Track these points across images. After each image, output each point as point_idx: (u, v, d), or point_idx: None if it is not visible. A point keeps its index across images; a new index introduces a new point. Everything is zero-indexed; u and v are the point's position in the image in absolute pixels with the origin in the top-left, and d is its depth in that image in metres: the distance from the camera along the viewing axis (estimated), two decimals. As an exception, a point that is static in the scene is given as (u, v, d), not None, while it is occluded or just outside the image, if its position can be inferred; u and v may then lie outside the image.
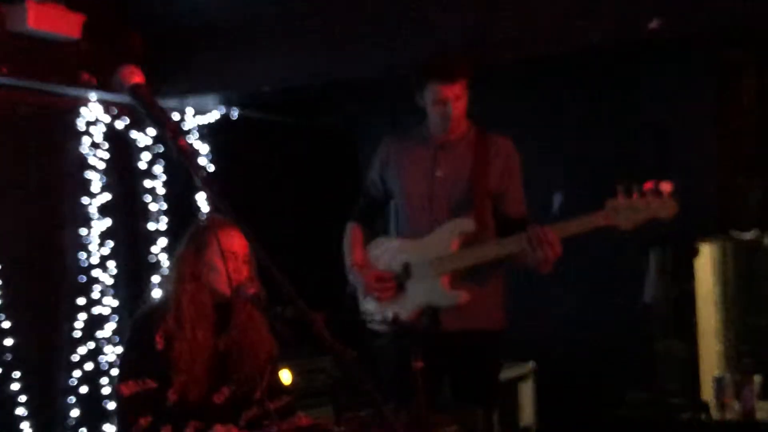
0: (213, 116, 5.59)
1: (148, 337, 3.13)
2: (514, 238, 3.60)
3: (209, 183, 2.03)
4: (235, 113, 5.67)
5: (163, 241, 5.19)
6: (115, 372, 4.78)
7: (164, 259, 5.15)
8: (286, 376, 3.44)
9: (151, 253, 5.17)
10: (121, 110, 5.03)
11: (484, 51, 4.31)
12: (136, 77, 2.17)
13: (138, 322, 3.23)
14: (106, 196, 4.97)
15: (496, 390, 3.93)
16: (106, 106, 4.98)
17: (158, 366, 3.09)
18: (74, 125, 4.88)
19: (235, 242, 3.18)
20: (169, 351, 3.11)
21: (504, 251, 3.63)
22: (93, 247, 4.89)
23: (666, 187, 3.33)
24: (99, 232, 4.92)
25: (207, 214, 3.56)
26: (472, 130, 3.82)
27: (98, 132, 4.96)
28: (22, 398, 4.46)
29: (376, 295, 3.82)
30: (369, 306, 3.88)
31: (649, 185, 3.36)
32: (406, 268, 3.78)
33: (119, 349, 4.83)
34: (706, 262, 5.16)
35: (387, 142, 3.97)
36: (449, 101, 3.66)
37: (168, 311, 3.16)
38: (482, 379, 3.78)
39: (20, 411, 4.45)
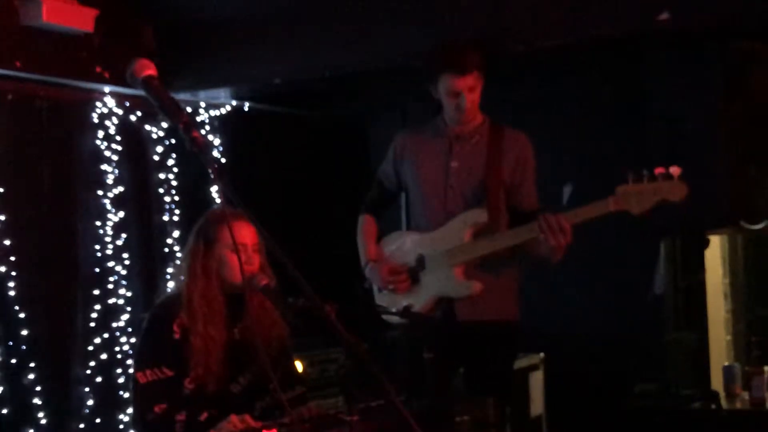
0: (225, 109, 5.62)
1: (166, 327, 3.17)
2: (527, 226, 3.63)
3: (221, 175, 2.05)
4: (246, 106, 5.70)
5: (176, 233, 5.23)
6: (129, 362, 4.82)
7: (178, 251, 5.18)
8: (298, 368, 3.48)
9: (164, 245, 5.20)
10: (134, 103, 5.06)
11: (494, 42, 4.32)
12: (149, 70, 2.19)
13: (155, 311, 3.28)
14: (120, 189, 5.01)
15: (509, 381, 3.96)
16: (120, 99, 5.01)
17: (175, 355, 3.13)
18: (88, 118, 4.91)
19: (244, 233, 3.20)
20: (186, 342, 3.15)
21: (516, 240, 3.66)
22: (107, 238, 4.93)
23: (675, 170, 3.37)
24: (113, 224, 4.96)
25: (213, 207, 3.56)
26: (487, 122, 3.85)
27: (112, 125, 5.00)
28: (38, 388, 4.50)
29: (391, 287, 3.84)
30: (384, 299, 3.91)
31: (659, 170, 3.39)
32: (420, 260, 3.81)
33: (133, 339, 4.87)
34: (715, 253, 5.16)
35: (401, 134, 4.00)
36: (462, 93, 3.69)
37: (183, 304, 3.21)
38: (496, 370, 3.80)
39: (36, 401, 4.50)
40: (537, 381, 5.12)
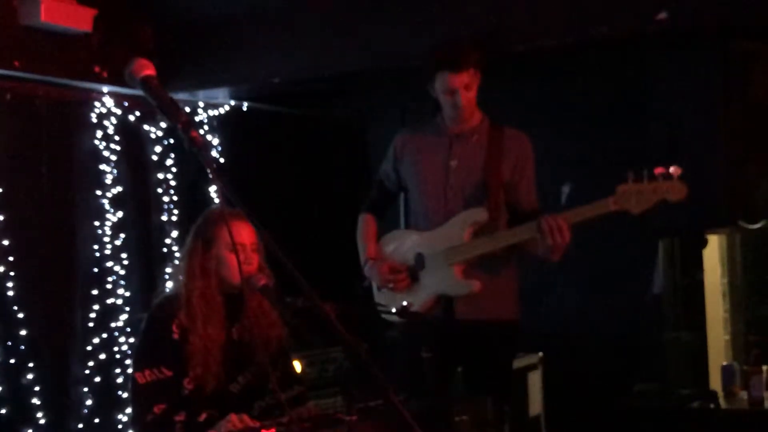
0: (223, 109, 5.61)
1: (165, 327, 3.17)
2: (526, 225, 3.63)
3: (220, 175, 2.05)
4: (245, 106, 5.70)
5: (174, 233, 5.22)
6: (128, 362, 4.82)
7: (176, 251, 5.18)
8: (296, 367, 3.48)
9: (163, 245, 5.20)
10: (133, 103, 5.06)
11: (495, 42, 4.32)
12: (147, 69, 2.18)
13: (154, 311, 3.27)
14: (119, 188, 5.00)
15: (508, 380, 3.96)
16: (118, 98, 5.01)
17: (174, 355, 3.13)
18: (86, 118, 4.90)
19: (243, 233, 3.21)
20: (184, 342, 3.15)
21: (515, 239, 3.67)
22: (106, 238, 4.93)
23: (675, 170, 3.38)
24: (111, 224, 4.96)
25: (212, 207, 3.57)
26: (486, 121, 3.86)
27: (110, 125, 5.00)
28: (37, 388, 4.50)
29: (390, 286, 3.84)
30: (383, 297, 3.91)
31: (659, 170, 3.40)
32: (420, 259, 3.81)
33: (132, 339, 4.87)
34: (714, 252, 5.17)
35: (401, 134, 4.01)
36: (458, 90, 3.70)
37: (182, 304, 3.21)
38: (495, 370, 3.80)
39: (35, 401, 4.49)
40: (536, 380, 5.12)
